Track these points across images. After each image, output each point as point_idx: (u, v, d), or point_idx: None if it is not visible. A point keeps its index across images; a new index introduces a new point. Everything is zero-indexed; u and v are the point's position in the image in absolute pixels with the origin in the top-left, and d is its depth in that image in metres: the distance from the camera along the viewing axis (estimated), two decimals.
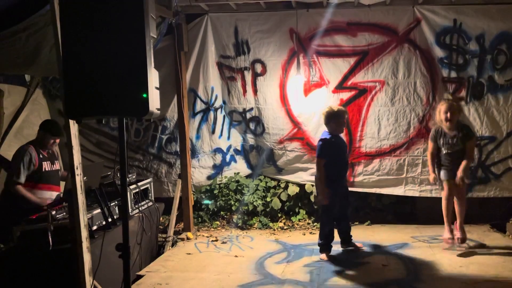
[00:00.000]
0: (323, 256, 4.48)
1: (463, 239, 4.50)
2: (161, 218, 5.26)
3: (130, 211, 4.27)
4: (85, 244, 3.18)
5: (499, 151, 5.29)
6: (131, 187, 4.43)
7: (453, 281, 3.81)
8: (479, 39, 5.15)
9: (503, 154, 5.29)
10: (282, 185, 5.89)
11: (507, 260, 4.27)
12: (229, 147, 5.98)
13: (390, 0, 5.08)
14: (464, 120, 5.14)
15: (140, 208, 4.47)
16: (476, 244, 4.71)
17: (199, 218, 5.90)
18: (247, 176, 6.01)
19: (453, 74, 5.26)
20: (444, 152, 4.50)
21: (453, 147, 4.44)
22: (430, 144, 4.61)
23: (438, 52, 5.23)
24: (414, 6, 5.17)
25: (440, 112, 4.46)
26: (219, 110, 5.87)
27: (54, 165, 4.35)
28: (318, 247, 4.53)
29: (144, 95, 2.22)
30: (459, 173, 4.36)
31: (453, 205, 4.54)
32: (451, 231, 4.55)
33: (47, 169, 4.23)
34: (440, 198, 5.40)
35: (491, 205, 5.45)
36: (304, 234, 5.41)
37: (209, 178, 6.00)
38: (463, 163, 4.38)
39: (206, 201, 5.90)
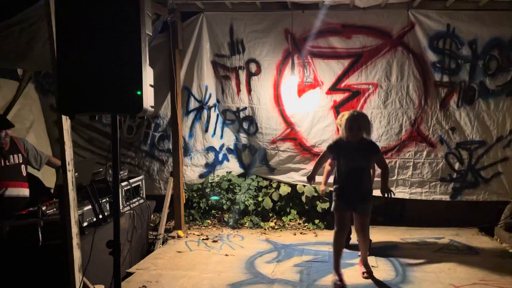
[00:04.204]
0: None
1: (369, 272, 4.02)
2: (152, 216, 5.24)
3: (121, 208, 4.25)
4: (75, 240, 3.17)
5: (489, 156, 5.36)
6: (123, 184, 4.41)
7: (441, 283, 3.86)
8: (472, 45, 5.21)
9: (492, 158, 5.36)
10: (274, 185, 5.91)
11: (494, 263, 4.33)
12: (222, 146, 5.99)
13: (385, 3, 5.11)
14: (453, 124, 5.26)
15: (131, 206, 4.45)
16: (464, 247, 4.77)
17: (190, 217, 5.90)
18: (239, 175, 6.02)
19: (445, 79, 5.31)
20: (343, 169, 3.90)
21: (353, 162, 3.84)
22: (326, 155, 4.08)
23: (431, 56, 5.28)
24: (409, 10, 5.21)
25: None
26: (212, 109, 5.87)
27: (8, 160, 4.13)
28: (306, 248, 4.50)
29: (138, 93, 2.21)
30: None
31: (344, 241, 4.04)
32: (339, 273, 3.90)
33: None
34: (430, 201, 5.51)
35: (479, 208, 5.51)
36: (295, 234, 5.44)
37: (201, 176, 6.00)
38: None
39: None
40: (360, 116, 3.84)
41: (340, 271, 3.92)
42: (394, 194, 4.05)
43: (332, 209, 4.02)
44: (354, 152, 3.83)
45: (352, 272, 4.14)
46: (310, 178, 4.07)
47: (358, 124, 3.77)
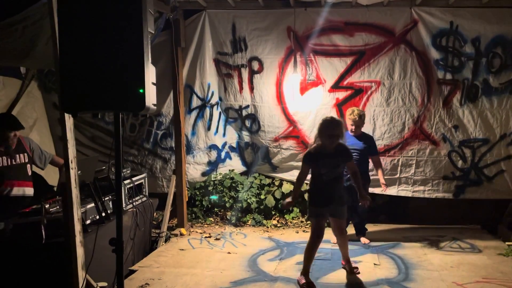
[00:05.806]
0: None
1: (356, 267, 4.05)
2: (155, 214, 5.26)
3: (124, 206, 4.27)
4: (78, 238, 3.18)
5: (492, 154, 5.34)
6: (126, 182, 4.42)
7: (443, 281, 3.85)
8: (475, 42, 5.18)
9: (495, 156, 5.34)
10: (277, 183, 5.91)
11: (497, 261, 4.33)
12: (224, 144, 5.99)
13: (387, 1, 5.10)
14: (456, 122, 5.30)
15: (134, 203, 4.46)
16: (467, 245, 4.76)
17: (193, 214, 5.91)
18: (242, 173, 6.02)
19: (449, 76, 5.29)
20: (324, 178, 3.78)
21: (334, 170, 3.76)
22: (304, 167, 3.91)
23: (434, 54, 5.26)
24: (412, 8, 5.19)
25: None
26: (215, 107, 5.87)
27: (15, 160, 4.10)
28: None
29: (141, 90, 2.21)
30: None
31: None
32: (307, 274, 3.83)
33: None
34: (433, 199, 5.50)
35: (482, 206, 5.50)
36: (297, 232, 5.44)
37: (203, 174, 6.01)
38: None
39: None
40: (339, 123, 3.76)
41: (308, 276, 3.82)
42: (372, 202, 4.08)
43: (308, 215, 3.95)
44: (333, 159, 3.75)
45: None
46: (289, 204, 3.95)
47: (338, 131, 3.72)
